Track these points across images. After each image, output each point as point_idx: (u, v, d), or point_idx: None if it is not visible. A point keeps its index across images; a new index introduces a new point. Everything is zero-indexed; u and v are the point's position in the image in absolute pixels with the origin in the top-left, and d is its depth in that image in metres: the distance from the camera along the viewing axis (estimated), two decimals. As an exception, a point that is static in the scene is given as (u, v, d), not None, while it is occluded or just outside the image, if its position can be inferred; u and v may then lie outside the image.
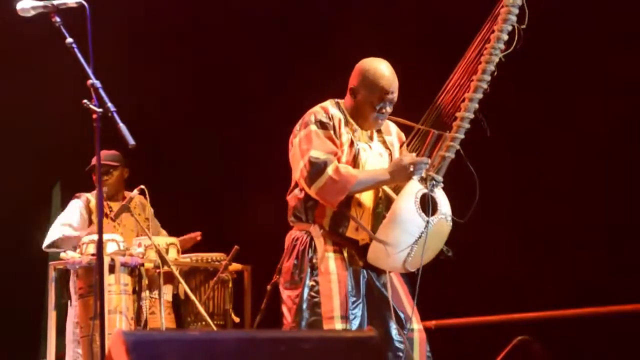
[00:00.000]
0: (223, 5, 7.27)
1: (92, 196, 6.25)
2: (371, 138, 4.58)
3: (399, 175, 4.35)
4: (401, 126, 4.66)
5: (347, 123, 4.48)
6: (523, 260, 6.51)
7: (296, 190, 4.48)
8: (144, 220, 6.15)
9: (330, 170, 4.30)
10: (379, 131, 4.63)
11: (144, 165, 6.43)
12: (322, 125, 4.41)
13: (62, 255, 5.86)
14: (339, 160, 4.37)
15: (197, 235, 6.27)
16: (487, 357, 5.97)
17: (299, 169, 4.39)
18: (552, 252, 6.49)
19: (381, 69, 4.48)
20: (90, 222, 6.19)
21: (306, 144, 4.38)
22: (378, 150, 4.55)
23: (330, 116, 4.44)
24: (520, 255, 6.53)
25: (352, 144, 4.46)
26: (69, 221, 6.13)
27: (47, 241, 6.06)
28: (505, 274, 6.45)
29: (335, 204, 4.34)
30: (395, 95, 4.47)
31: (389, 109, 4.50)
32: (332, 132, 4.40)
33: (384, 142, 4.61)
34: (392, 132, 4.69)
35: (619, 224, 6.29)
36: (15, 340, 7.23)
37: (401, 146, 4.63)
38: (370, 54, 4.62)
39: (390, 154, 4.58)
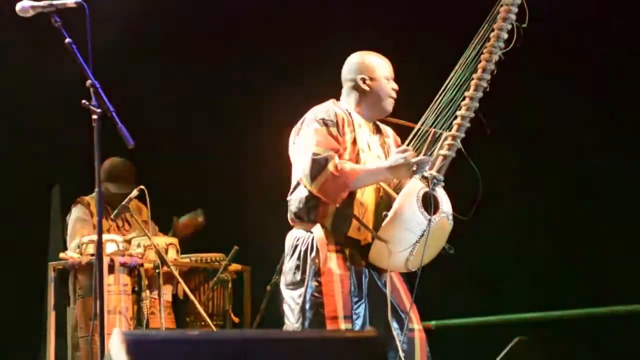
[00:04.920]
0: (222, 6, 7.27)
1: (91, 199, 6.27)
2: (374, 132, 4.60)
3: (401, 172, 4.34)
4: (400, 127, 4.67)
5: (349, 123, 4.49)
6: (523, 260, 6.52)
7: (297, 190, 4.47)
8: (145, 223, 6.15)
9: (331, 167, 4.30)
10: (379, 132, 4.64)
11: (143, 165, 6.42)
12: (324, 122, 4.42)
13: (62, 255, 5.87)
14: (341, 157, 4.37)
15: (198, 216, 6.24)
16: (487, 357, 5.96)
17: (300, 166, 4.38)
18: (552, 252, 6.49)
19: (371, 53, 4.63)
20: (93, 225, 6.19)
21: (308, 141, 4.38)
22: (377, 152, 4.55)
23: (334, 114, 4.45)
24: (520, 254, 6.53)
25: (354, 143, 4.46)
26: (84, 226, 6.14)
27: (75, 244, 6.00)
28: (505, 273, 6.45)
29: (338, 201, 4.34)
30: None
31: (396, 87, 4.58)
32: (335, 129, 4.41)
33: (383, 144, 4.62)
34: (390, 134, 4.71)
35: (620, 223, 6.29)
36: (15, 341, 7.23)
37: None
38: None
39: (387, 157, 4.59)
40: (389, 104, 4.59)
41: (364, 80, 4.56)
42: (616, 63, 6.24)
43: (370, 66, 4.58)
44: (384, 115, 4.63)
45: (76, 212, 6.23)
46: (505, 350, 5.76)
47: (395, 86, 4.60)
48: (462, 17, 5.11)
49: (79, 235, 6.08)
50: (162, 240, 5.95)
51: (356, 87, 4.58)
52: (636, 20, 6.15)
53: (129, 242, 5.98)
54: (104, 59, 4.12)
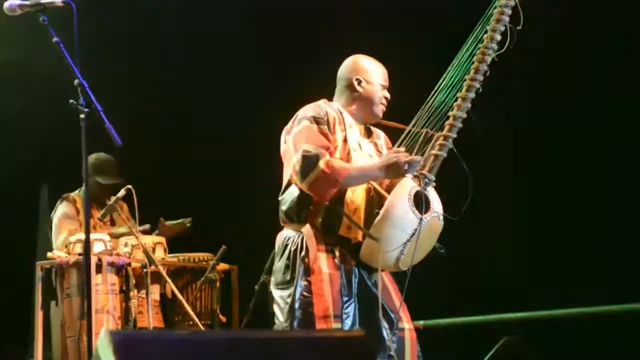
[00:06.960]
0: (220, 5, 7.27)
1: (77, 196, 6.26)
2: (365, 135, 4.61)
3: (392, 171, 4.35)
4: (393, 130, 4.67)
5: (340, 122, 4.49)
6: (520, 260, 6.52)
7: (289, 190, 4.47)
8: (127, 220, 6.13)
9: (322, 164, 4.30)
10: (370, 134, 4.65)
11: (131, 164, 6.40)
12: (315, 120, 4.43)
13: (49, 254, 5.84)
14: (331, 156, 4.37)
15: (186, 222, 6.26)
16: (478, 357, 5.97)
17: (291, 164, 4.38)
18: (549, 252, 6.49)
19: (370, 58, 4.65)
20: (79, 221, 6.18)
21: (299, 139, 4.39)
22: (368, 152, 4.56)
23: (325, 113, 4.46)
24: (518, 254, 6.53)
25: (345, 141, 4.46)
26: (70, 222, 6.14)
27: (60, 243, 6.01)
28: (501, 273, 6.45)
29: (327, 198, 4.34)
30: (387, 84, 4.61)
31: (388, 96, 4.58)
32: (325, 127, 4.41)
33: (375, 145, 4.63)
34: (381, 137, 4.73)
35: (619, 223, 6.30)
36: (3, 340, 7.21)
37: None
38: (361, 53, 4.69)
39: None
40: (379, 111, 4.61)
41: (359, 81, 4.58)
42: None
43: (368, 70, 4.60)
44: (373, 120, 4.65)
45: (62, 208, 6.23)
46: (493, 350, 5.78)
47: (388, 95, 4.62)
48: (455, 19, 5.12)
49: (66, 230, 6.07)
50: (149, 240, 5.94)
51: (350, 87, 4.59)
52: None
53: (115, 237, 5.97)
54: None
